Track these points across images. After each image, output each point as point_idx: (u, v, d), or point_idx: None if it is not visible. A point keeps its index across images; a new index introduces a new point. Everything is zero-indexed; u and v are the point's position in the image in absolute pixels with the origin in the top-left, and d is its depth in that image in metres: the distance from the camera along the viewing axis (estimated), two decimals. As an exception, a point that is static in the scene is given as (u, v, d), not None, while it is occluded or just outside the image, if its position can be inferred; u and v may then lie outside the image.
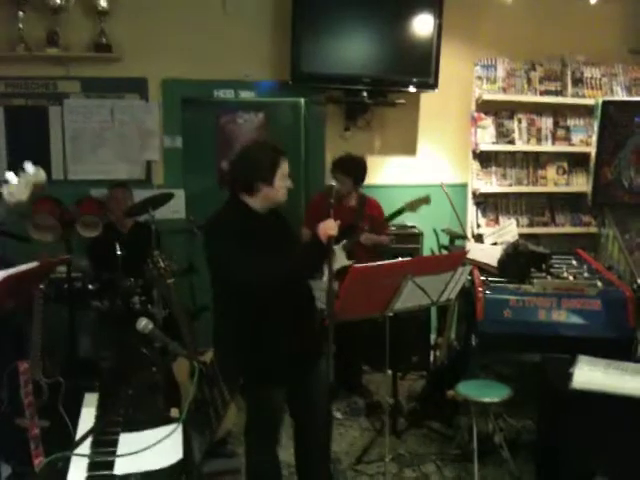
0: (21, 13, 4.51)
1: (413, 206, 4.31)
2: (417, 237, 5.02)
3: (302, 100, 5.20)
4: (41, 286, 3.25)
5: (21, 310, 3.65)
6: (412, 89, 4.99)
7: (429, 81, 4.96)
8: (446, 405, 3.99)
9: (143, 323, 2.16)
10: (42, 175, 2.70)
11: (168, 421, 2.45)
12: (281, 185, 2.73)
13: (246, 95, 5.05)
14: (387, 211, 4.47)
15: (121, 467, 2.14)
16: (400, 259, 2.84)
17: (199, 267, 4.17)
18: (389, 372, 3.97)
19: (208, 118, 5.20)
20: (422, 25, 4.87)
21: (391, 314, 3.11)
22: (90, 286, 3.91)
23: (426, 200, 4.30)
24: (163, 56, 4.77)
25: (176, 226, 4.54)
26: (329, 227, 2.62)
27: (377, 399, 4.47)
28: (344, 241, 4.19)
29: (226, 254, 2.65)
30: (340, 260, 4.12)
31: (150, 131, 4.90)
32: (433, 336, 5.05)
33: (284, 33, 4.79)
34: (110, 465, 2.13)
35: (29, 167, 2.70)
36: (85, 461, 2.18)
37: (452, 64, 5.06)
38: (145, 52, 4.74)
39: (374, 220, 4.38)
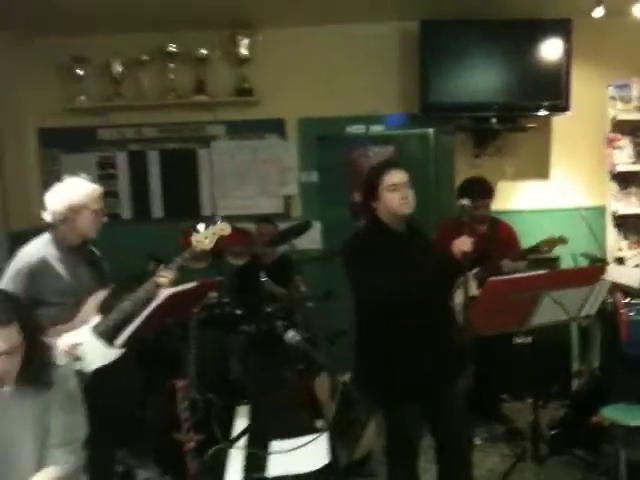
0: (171, 65, 5.00)
1: (549, 245, 4.24)
2: (553, 262, 4.92)
3: (430, 131, 5.30)
4: (195, 310, 3.55)
5: (175, 331, 3.99)
6: (543, 113, 4.97)
7: (560, 104, 4.91)
8: (590, 432, 3.86)
9: (291, 335, 2.33)
10: (228, 227, 3.11)
11: (314, 431, 2.61)
12: (392, 196, 2.80)
13: (376, 129, 5.25)
14: (521, 237, 4.45)
15: (274, 469, 2.31)
16: (535, 272, 2.84)
17: (336, 293, 4.35)
18: (529, 400, 3.90)
19: (341, 153, 5.44)
20: (551, 49, 4.86)
21: (529, 339, 3.09)
22: (238, 311, 4.18)
23: (562, 240, 4.20)
24: (299, 96, 5.07)
25: (314, 256, 4.76)
26: (463, 243, 2.65)
27: (517, 426, 4.39)
28: (476, 269, 4.20)
29: (362, 269, 2.75)
30: (471, 289, 4.11)
31: (288, 168, 5.21)
32: (575, 365, 4.90)
33: (412, 66, 4.96)
34: (263, 467, 2.31)
35: (219, 219, 3.12)
36: (241, 463, 2.38)
37: (584, 86, 4.99)
38: (282, 94, 5.07)
39: (507, 244, 4.36)
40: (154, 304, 2.82)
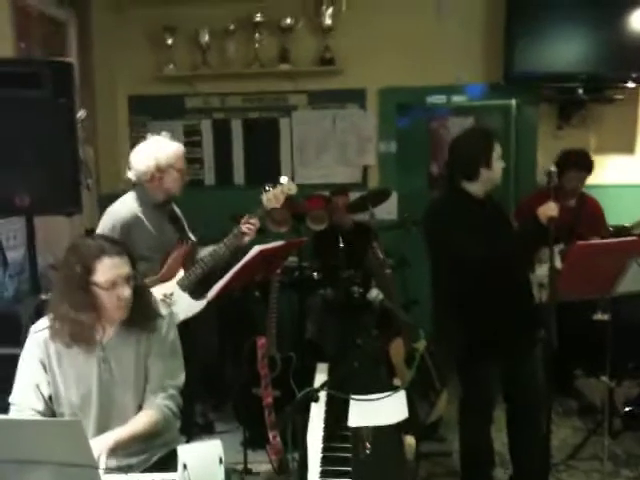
0: (257, 34, 5.09)
1: None
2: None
3: (513, 101, 5.25)
4: (278, 271, 3.67)
5: (254, 292, 4.14)
6: (631, 84, 4.82)
7: (650, 76, 4.76)
8: (668, 409, 3.82)
9: (374, 293, 2.42)
10: (294, 187, 3.24)
11: (392, 389, 2.69)
12: (498, 166, 2.87)
13: (457, 99, 5.22)
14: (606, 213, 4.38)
15: (354, 421, 2.41)
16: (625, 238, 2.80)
17: (411, 262, 4.41)
18: (604, 378, 3.86)
19: (420, 123, 5.45)
20: (641, 17, 4.71)
21: (607, 316, 3.04)
22: (315, 275, 4.29)
23: None
24: (380, 65, 5.08)
25: (390, 225, 4.82)
26: (549, 208, 2.63)
27: (591, 401, 4.37)
28: (561, 245, 4.13)
29: (451, 236, 2.78)
30: (556, 263, 4.06)
31: (367, 137, 5.25)
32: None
33: (497, 33, 4.89)
34: (344, 418, 2.41)
35: (284, 179, 3.24)
36: (322, 410, 2.48)
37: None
38: (364, 64, 5.09)
39: (594, 221, 4.26)
40: (245, 259, 2.94)
